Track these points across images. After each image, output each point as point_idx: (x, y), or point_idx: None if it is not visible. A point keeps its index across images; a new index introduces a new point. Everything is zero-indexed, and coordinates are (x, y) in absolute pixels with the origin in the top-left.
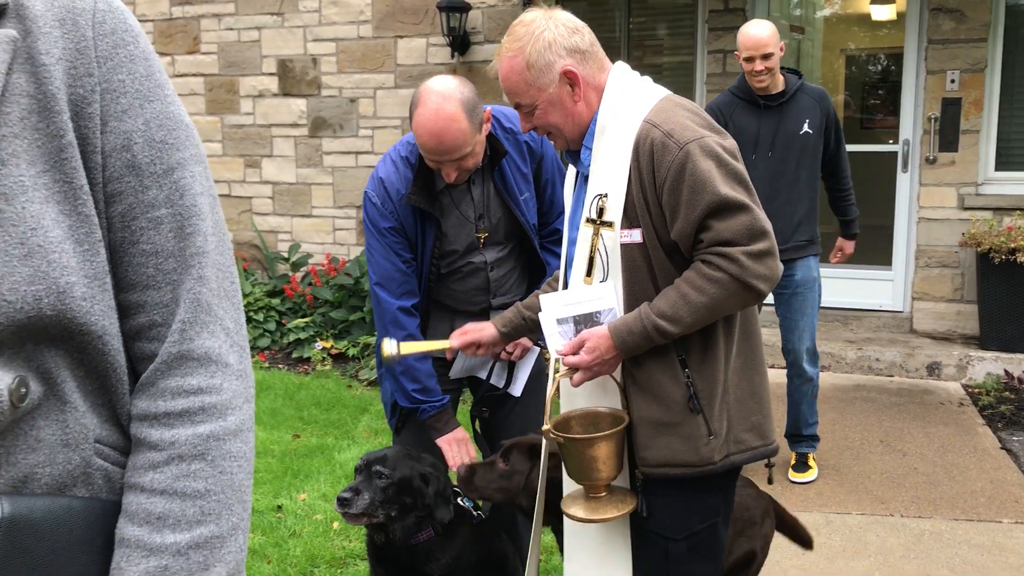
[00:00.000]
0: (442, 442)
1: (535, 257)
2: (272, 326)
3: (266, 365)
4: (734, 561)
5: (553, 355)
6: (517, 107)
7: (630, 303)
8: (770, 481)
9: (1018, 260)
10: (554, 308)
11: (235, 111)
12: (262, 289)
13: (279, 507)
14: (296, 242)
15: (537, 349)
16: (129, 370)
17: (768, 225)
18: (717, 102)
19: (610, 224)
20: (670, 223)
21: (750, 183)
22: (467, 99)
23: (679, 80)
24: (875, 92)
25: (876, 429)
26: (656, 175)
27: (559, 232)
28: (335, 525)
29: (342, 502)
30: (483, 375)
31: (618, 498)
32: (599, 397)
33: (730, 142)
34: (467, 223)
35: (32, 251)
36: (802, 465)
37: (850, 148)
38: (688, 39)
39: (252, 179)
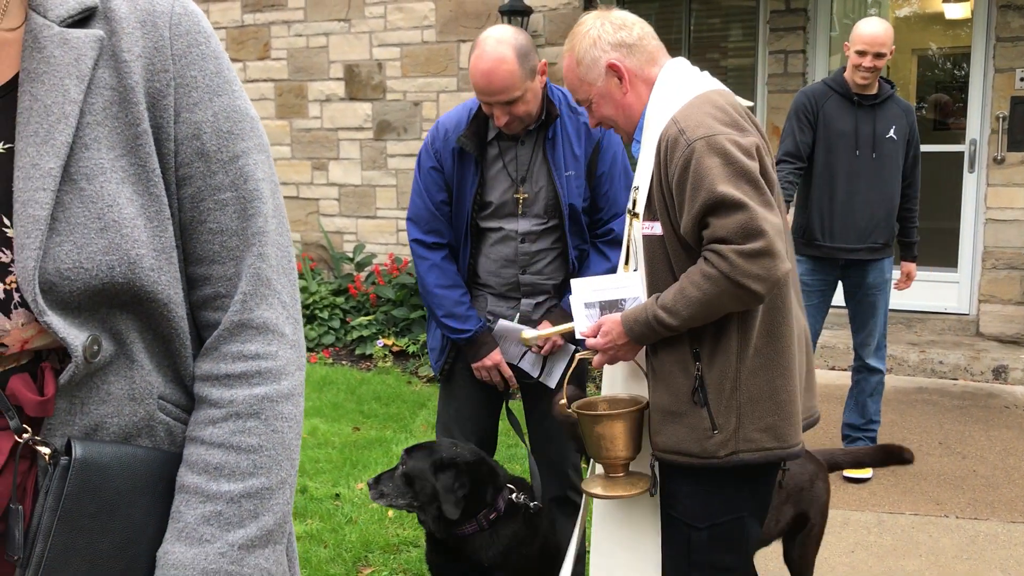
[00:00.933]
0: (476, 367)
1: (567, 242)
2: (336, 324)
3: (330, 361)
4: (784, 526)
5: (578, 336)
6: (578, 103)
7: (651, 293)
8: (780, 485)
9: None
10: (583, 292)
11: (303, 115)
12: (327, 288)
13: (337, 495)
14: (360, 243)
15: (571, 346)
16: (195, 336)
17: (767, 225)
18: (811, 89)
19: (638, 215)
20: (678, 218)
21: (761, 182)
22: (520, 45)
23: (742, 81)
24: (945, 92)
25: (936, 431)
26: (668, 170)
27: (614, 232)
28: (390, 513)
29: (369, 485)
30: (516, 363)
31: (635, 478)
32: (636, 383)
33: (749, 140)
34: (508, 178)
35: (108, 225)
36: None
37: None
38: (750, 40)
39: (319, 181)
